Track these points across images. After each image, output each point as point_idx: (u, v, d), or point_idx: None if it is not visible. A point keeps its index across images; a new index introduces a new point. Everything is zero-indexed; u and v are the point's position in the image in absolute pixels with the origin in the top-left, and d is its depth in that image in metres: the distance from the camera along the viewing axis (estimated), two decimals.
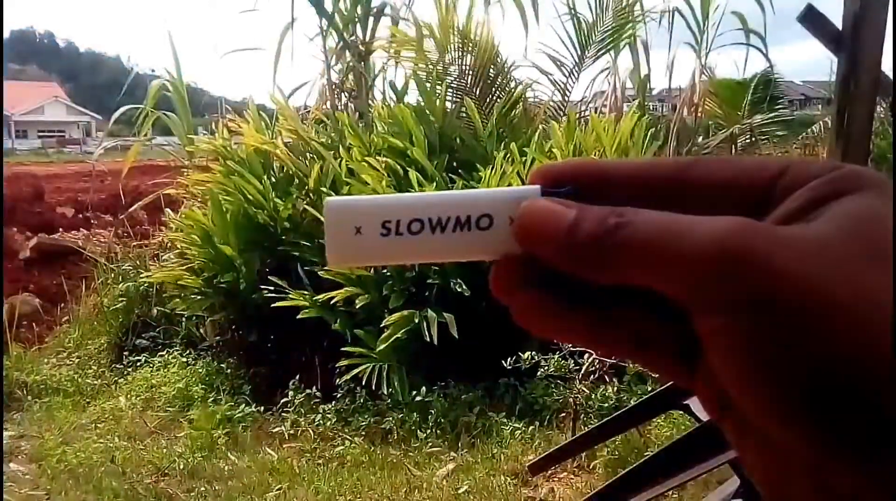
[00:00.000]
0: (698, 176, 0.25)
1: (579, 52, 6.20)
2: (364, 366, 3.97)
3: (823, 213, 0.22)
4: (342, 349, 4.11)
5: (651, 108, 7.57)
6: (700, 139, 7.07)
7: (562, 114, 5.99)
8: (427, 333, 3.79)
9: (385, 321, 3.96)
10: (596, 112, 6.81)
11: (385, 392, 4.00)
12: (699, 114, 7.22)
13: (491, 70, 5.32)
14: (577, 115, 5.89)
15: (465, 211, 0.27)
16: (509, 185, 3.94)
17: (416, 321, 3.89)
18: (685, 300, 0.22)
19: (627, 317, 0.25)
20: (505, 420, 3.87)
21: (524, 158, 4.29)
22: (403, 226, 0.27)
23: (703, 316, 0.22)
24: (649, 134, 4.92)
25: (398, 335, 3.91)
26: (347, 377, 4.05)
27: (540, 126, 5.33)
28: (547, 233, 0.25)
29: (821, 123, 7.63)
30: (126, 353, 5.39)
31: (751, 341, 0.21)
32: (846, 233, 0.21)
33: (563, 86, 6.26)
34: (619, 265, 0.23)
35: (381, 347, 3.93)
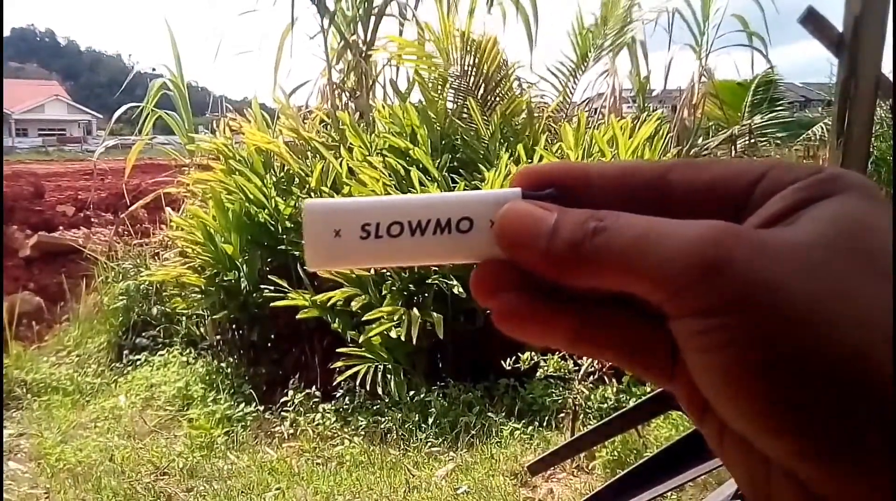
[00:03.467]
0: (679, 179, 0.25)
1: (580, 54, 6.20)
2: (361, 366, 3.97)
3: (803, 216, 0.22)
4: (338, 350, 4.11)
5: (652, 109, 7.56)
6: (700, 141, 7.06)
7: (563, 115, 5.98)
8: (410, 333, 3.79)
9: (368, 315, 3.95)
10: (595, 113, 6.82)
11: (383, 392, 4.01)
12: (699, 115, 7.22)
13: (493, 71, 5.32)
14: (579, 117, 5.87)
15: (445, 214, 0.26)
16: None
17: (397, 318, 3.88)
18: (663, 305, 0.22)
19: (609, 321, 0.25)
20: (504, 421, 3.87)
21: (530, 160, 4.29)
22: (383, 229, 0.27)
23: (681, 321, 0.22)
24: (666, 139, 4.91)
25: (393, 334, 3.91)
26: (347, 376, 4.06)
27: (544, 127, 5.32)
28: (527, 237, 0.24)
29: (822, 125, 7.62)
30: (126, 352, 5.39)
31: (727, 346, 0.20)
32: (826, 237, 0.21)
33: (563, 87, 6.25)
34: (597, 270, 0.23)
35: (364, 338, 3.93)
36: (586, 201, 0.25)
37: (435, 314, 3.88)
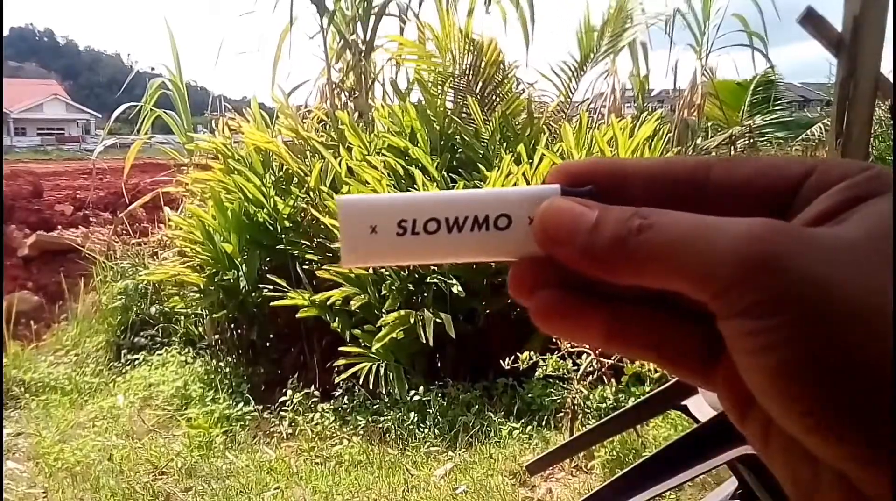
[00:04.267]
0: (721, 175, 0.24)
1: (583, 54, 6.19)
2: (361, 365, 3.97)
3: (853, 215, 0.21)
4: (340, 348, 4.11)
5: (651, 109, 7.57)
6: (699, 141, 7.07)
7: (563, 115, 5.98)
8: (423, 334, 3.79)
9: (381, 321, 3.96)
10: (595, 113, 6.82)
11: (383, 391, 4.01)
12: (699, 115, 7.22)
13: (493, 71, 5.32)
14: (581, 117, 5.87)
15: (483, 211, 0.26)
16: (514, 185, 3.93)
17: (413, 321, 3.89)
18: (710, 303, 0.22)
19: (645, 319, 0.25)
20: (503, 420, 3.87)
21: (531, 160, 4.28)
22: (420, 225, 0.26)
23: (729, 319, 0.21)
24: (666, 139, 4.90)
25: (395, 335, 3.92)
26: (346, 376, 4.05)
27: (543, 127, 5.32)
28: (567, 234, 0.24)
29: (821, 125, 7.63)
30: (124, 351, 5.38)
31: (778, 347, 0.20)
32: (877, 237, 0.21)
33: (566, 87, 6.24)
34: (641, 268, 0.23)
35: (377, 346, 3.93)
36: (623, 198, 0.25)
37: (443, 314, 3.88)
